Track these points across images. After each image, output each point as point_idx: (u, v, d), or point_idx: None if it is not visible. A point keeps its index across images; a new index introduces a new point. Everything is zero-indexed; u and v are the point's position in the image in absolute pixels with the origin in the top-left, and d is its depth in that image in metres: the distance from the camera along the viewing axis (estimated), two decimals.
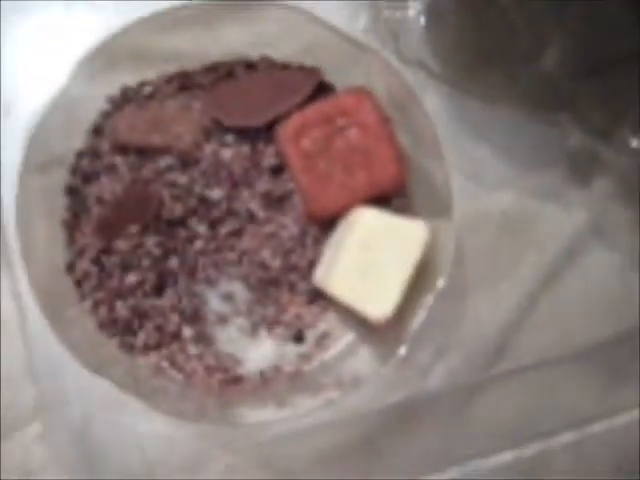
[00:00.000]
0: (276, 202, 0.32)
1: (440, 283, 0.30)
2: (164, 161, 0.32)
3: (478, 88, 0.32)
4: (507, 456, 0.35)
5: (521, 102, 0.34)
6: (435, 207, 0.31)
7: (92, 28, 0.32)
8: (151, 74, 0.33)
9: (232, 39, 0.32)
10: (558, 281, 0.34)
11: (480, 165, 0.34)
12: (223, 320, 0.32)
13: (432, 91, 0.33)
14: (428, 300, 0.30)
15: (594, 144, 0.34)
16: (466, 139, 0.34)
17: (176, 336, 0.32)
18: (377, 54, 0.30)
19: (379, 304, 0.29)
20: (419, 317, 0.30)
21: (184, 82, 0.33)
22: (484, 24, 0.34)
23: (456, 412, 0.33)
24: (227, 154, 0.32)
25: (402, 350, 0.30)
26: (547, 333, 0.34)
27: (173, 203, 0.31)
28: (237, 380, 0.31)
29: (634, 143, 0.34)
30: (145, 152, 0.32)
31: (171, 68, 0.33)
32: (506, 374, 0.34)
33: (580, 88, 0.34)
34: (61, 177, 0.32)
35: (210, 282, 0.32)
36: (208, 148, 0.32)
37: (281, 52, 0.32)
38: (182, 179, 0.32)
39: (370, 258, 0.29)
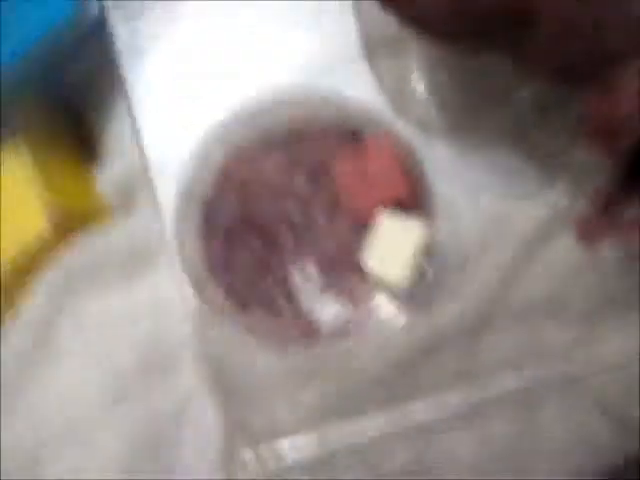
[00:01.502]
0: (333, 210, 0.50)
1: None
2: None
3: (469, 133, 0.48)
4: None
5: (500, 134, 0.50)
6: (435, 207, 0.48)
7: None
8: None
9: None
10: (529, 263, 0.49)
11: (469, 177, 0.50)
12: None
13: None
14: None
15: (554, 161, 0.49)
16: (460, 164, 0.50)
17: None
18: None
19: (398, 275, 0.47)
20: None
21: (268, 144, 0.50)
22: (473, 81, 0.50)
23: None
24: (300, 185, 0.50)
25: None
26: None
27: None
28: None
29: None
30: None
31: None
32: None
33: (545, 118, 0.49)
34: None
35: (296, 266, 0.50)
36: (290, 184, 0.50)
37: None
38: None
39: (389, 249, 0.47)
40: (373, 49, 0.48)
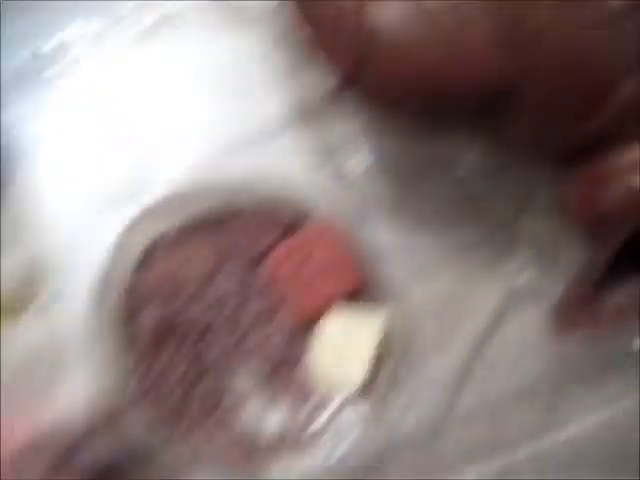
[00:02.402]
0: (270, 311, 0.43)
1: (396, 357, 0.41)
2: (178, 302, 0.43)
3: (416, 205, 0.43)
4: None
5: (448, 202, 0.45)
6: (389, 295, 0.42)
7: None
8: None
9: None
10: (492, 343, 0.44)
11: (423, 256, 0.45)
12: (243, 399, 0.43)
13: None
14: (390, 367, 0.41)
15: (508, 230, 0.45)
16: (411, 240, 0.45)
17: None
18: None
19: (351, 380, 0.41)
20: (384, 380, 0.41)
21: (189, 233, 0.44)
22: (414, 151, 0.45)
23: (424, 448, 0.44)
24: (226, 286, 0.43)
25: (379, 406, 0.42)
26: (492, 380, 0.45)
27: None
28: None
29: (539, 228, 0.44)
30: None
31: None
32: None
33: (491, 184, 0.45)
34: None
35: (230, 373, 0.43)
36: (212, 283, 0.43)
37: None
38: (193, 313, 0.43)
39: (340, 350, 0.41)
40: (306, 119, 0.42)
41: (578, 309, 0.36)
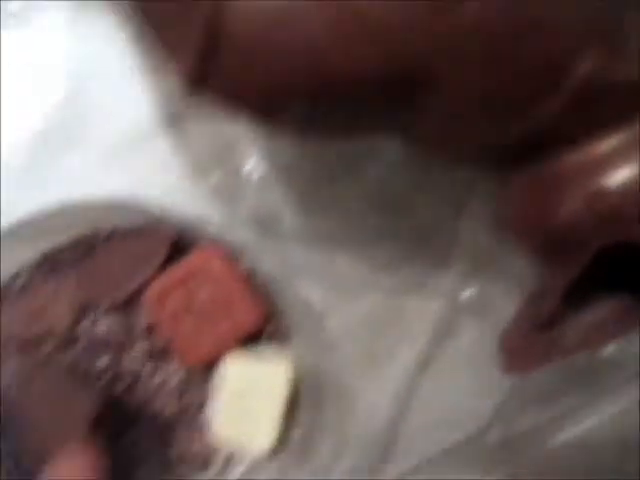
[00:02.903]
0: (158, 355, 0.35)
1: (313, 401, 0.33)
2: (47, 347, 0.34)
3: (325, 212, 0.35)
4: None
5: (368, 209, 0.37)
6: (302, 325, 0.34)
7: None
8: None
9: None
10: (433, 366, 0.38)
11: (341, 276, 0.37)
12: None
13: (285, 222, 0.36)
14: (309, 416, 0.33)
15: (443, 238, 0.37)
16: (323, 254, 0.37)
17: None
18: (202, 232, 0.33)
19: (260, 440, 0.33)
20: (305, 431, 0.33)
21: (53, 264, 0.35)
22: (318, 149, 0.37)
23: None
24: (102, 327, 0.35)
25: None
26: (429, 419, 0.37)
27: None
28: None
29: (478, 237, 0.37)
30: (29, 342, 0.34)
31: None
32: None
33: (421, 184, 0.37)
34: None
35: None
36: (84, 325, 0.35)
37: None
38: (67, 358, 0.35)
39: (244, 403, 0.32)
40: (182, 121, 0.33)
41: (530, 340, 0.29)
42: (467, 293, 0.37)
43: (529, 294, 0.30)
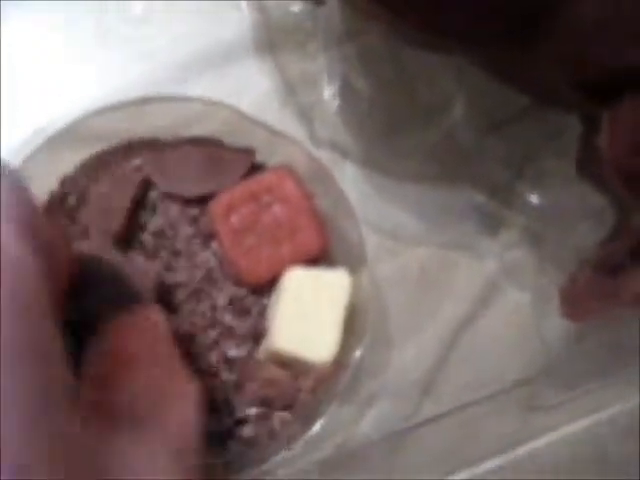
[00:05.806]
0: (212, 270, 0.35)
1: (366, 339, 0.33)
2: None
3: (389, 161, 0.36)
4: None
5: (429, 162, 0.38)
6: (354, 264, 0.34)
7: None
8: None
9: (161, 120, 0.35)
10: (475, 324, 0.38)
11: (396, 224, 0.38)
12: None
13: (348, 164, 0.37)
14: (356, 355, 0.33)
15: (498, 200, 0.38)
16: (381, 202, 0.38)
17: None
18: (290, 140, 0.33)
19: (320, 349, 0.32)
20: (349, 371, 0.33)
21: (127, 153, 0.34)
22: (394, 93, 0.38)
23: (387, 456, 0.36)
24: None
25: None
26: (467, 374, 0.38)
27: None
28: None
29: (533, 199, 0.38)
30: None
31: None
32: (432, 418, 0.37)
33: (483, 144, 0.38)
34: None
35: None
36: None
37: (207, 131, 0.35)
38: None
39: (304, 310, 0.32)
40: (274, 46, 0.34)
41: (592, 286, 0.29)
42: (517, 255, 0.38)
43: (593, 250, 0.31)
